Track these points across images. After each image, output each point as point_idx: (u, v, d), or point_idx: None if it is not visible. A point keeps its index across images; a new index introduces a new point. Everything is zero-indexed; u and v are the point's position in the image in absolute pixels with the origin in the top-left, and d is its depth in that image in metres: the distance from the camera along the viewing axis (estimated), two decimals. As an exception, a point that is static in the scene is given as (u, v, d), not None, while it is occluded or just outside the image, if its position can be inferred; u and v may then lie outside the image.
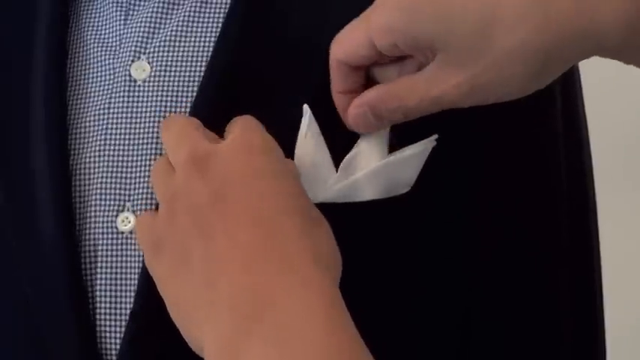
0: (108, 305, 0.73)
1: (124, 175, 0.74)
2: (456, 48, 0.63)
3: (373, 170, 0.67)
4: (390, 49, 0.65)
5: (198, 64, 0.75)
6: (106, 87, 0.77)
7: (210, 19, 0.76)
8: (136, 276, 0.73)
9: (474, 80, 0.63)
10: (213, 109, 0.72)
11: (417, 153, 0.68)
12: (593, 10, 0.60)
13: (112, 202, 0.74)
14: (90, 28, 0.79)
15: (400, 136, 0.69)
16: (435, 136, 0.68)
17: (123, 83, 0.76)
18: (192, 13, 0.76)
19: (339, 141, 0.69)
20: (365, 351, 0.56)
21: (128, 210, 0.73)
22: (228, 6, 0.76)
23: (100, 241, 0.74)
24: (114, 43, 0.78)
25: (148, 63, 0.76)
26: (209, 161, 0.62)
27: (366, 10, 0.66)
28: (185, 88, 0.75)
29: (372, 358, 0.56)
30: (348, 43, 0.66)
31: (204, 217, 0.60)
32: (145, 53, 0.76)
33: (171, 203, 0.61)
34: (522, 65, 0.62)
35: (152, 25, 0.77)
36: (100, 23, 0.79)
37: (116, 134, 0.75)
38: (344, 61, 0.67)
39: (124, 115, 0.75)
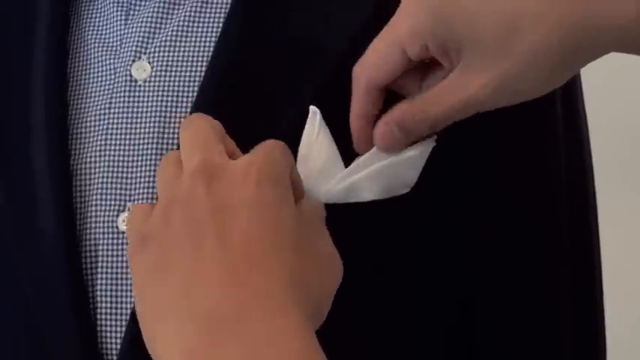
0: (108, 305, 0.73)
1: (124, 175, 0.74)
2: (481, 48, 0.63)
3: (374, 170, 0.67)
4: (421, 53, 0.64)
5: (199, 64, 0.75)
6: (107, 87, 0.77)
7: (211, 19, 0.76)
8: (137, 276, 0.73)
9: (499, 80, 0.63)
10: (213, 109, 0.72)
11: (417, 154, 0.67)
12: (613, 3, 0.60)
13: (113, 202, 0.74)
14: (90, 28, 0.79)
15: None
16: (435, 137, 0.68)
17: (123, 83, 0.76)
18: (192, 13, 0.76)
19: (339, 142, 0.69)
20: None
21: (129, 210, 0.73)
22: (228, 6, 0.76)
23: (101, 241, 0.74)
24: (114, 43, 0.78)
25: (149, 63, 0.76)
26: (218, 177, 0.61)
27: (385, 27, 0.66)
28: (186, 88, 0.75)
29: None
30: (379, 61, 0.65)
31: (197, 228, 0.59)
32: (145, 53, 0.76)
33: (170, 205, 0.61)
34: (548, 60, 0.62)
35: (153, 25, 0.77)
36: (100, 23, 0.79)
37: (117, 134, 0.75)
38: (378, 83, 0.66)
39: (125, 115, 0.75)
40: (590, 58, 0.64)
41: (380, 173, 0.67)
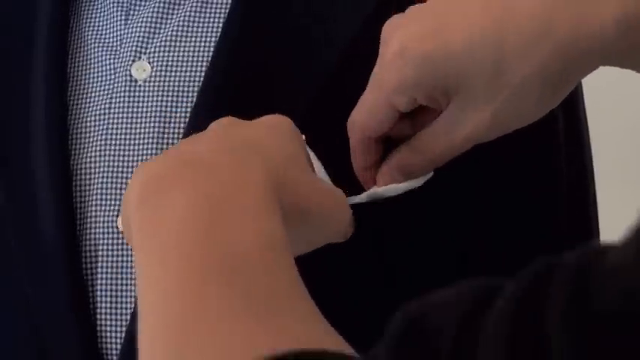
0: (108, 305, 0.73)
1: (124, 175, 0.74)
2: (471, 89, 0.63)
3: (371, 193, 0.68)
4: (409, 105, 0.65)
5: (199, 64, 0.75)
6: (107, 87, 0.77)
7: (211, 20, 0.76)
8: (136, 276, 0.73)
9: (494, 115, 0.64)
10: (213, 110, 0.72)
11: (416, 185, 0.68)
12: (593, 21, 0.60)
13: (113, 202, 0.74)
14: (90, 28, 0.79)
15: None
16: (432, 173, 0.68)
17: (123, 83, 0.76)
18: (192, 14, 0.76)
19: (339, 143, 0.68)
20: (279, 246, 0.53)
21: None
22: (228, 6, 0.76)
23: (101, 242, 0.74)
24: (114, 43, 0.78)
25: (149, 63, 0.76)
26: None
27: (371, 78, 0.66)
28: (186, 88, 0.74)
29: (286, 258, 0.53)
30: (369, 116, 0.66)
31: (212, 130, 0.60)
32: (145, 53, 0.76)
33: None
34: (540, 89, 0.63)
35: (153, 25, 0.77)
36: (100, 23, 0.79)
37: (117, 134, 0.75)
38: (369, 135, 0.66)
39: (125, 115, 0.75)
40: (579, 77, 0.65)
41: (378, 198, 0.68)
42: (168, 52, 0.75)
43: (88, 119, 0.76)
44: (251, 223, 0.52)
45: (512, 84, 0.62)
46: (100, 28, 0.79)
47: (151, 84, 0.75)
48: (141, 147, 0.74)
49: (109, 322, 0.73)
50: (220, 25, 0.75)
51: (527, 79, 0.62)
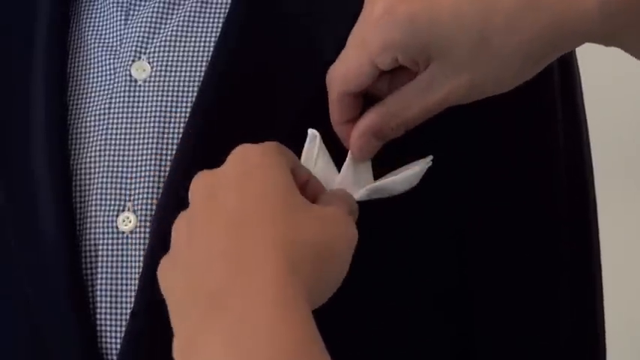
0: (108, 305, 0.73)
1: (124, 174, 0.74)
2: (453, 55, 0.63)
3: (370, 189, 0.67)
4: (391, 64, 0.65)
5: (199, 64, 0.75)
6: (107, 87, 0.77)
7: (211, 20, 0.76)
8: (136, 276, 0.73)
9: (471, 82, 0.64)
10: (213, 110, 0.72)
11: (413, 174, 0.68)
12: (577, 4, 0.61)
13: (113, 202, 0.74)
14: (90, 29, 0.79)
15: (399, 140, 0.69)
16: (431, 157, 0.68)
17: (123, 83, 0.76)
18: (192, 14, 0.76)
19: (338, 143, 0.68)
20: (315, 345, 0.56)
21: (129, 210, 0.74)
22: (228, 6, 0.76)
23: (101, 241, 0.74)
24: (114, 43, 0.78)
25: (149, 63, 0.76)
26: (213, 178, 0.63)
27: (353, 34, 0.66)
28: (185, 88, 0.75)
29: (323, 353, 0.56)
30: (350, 72, 0.66)
31: (193, 222, 0.60)
32: (145, 53, 0.76)
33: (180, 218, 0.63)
34: (520, 62, 0.63)
35: (152, 25, 0.77)
36: (100, 23, 0.79)
37: (116, 134, 0.75)
38: (347, 91, 0.66)
39: (125, 115, 0.75)
40: (560, 53, 0.65)
41: (375, 191, 0.67)
42: (168, 52, 0.76)
43: (88, 119, 0.76)
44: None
45: (494, 55, 0.63)
46: (100, 28, 0.79)
47: (151, 84, 0.75)
48: (141, 147, 0.74)
49: (108, 322, 0.73)
50: (220, 25, 0.76)
51: (510, 51, 0.62)
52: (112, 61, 0.77)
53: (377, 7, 0.64)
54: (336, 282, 0.61)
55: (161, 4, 0.77)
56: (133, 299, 0.72)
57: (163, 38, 0.76)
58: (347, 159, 0.68)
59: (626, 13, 0.61)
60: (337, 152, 0.68)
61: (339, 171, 0.68)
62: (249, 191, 0.60)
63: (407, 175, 0.67)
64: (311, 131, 0.68)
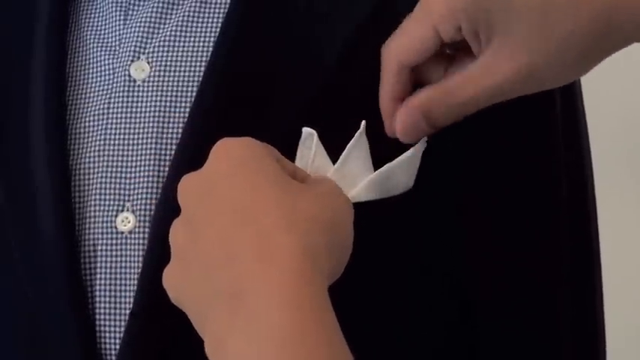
0: (108, 305, 0.73)
1: (123, 175, 0.74)
2: (513, 33, 0.62)
3: (371, 179, 0.67)
4: (454, 34, 0.64)
5: (198, 64, 0.75)
6: (106, 87, 0.77)
7: (210, 19, 0.76)
8: (136, 276, 0.73)
9: (528, 68, 0.63)
10: (212, 109, 0.72)
11: (410, 156, 0.67)
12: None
13: (112, 202, 0.74)
14: (89, 28, 0.79)
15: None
16: (426, 138, 0.68)
17: (122, 83, 0.76)
18: (191, 13, 0.76)
19: (337, 143, 0.68)
20: (334, 334, 0.56)
21: (128, 210, 0.74)
22: (227, 6, 0.76)
23: (100, 241, 0.74)
24: (113, 43, 0.78)
25: (148, 63, 0.76)
26: (201, 178, 0.63)
27: (416, 9, 0.65)
28: (184, 88, 0.75)
29: (342, 345, 0.56)
30: (412, 42, 0.65)
31: (195, 223, 0.60)
32: (144, 53, 0.76)
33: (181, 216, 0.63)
34: (579, 47, 0.62)
35: (152, 25, 0.77)
36: (99, 23, 0.79)
37: (116, 134, 0.75)
38: (408, 62, 0.65)
39: (124, 115, 0.75)
40: (618, 46, 0.64)
41: (376, 180, 0.67)
42: (167, 52, 0.76)
43: (87, 119, 0.76)
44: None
45: (554, 37, 0.62)
46: (99, 28, 0.79)
47: (150, 84, 0.75)
48: (140, 147, 0.74)
49: (108, 322, 0.73)
50: (219, 24, 0.76)
51: (569, 35, 0.62)
52: (111, 61, 0.77)
53: None
54: (345, 256, 0.62)
55: (160, 4, 0.77)
56: (132, 299, 0.72)
57: (162, 38, 0.76)
58: (347, 148, 0.67)
59: None
60: (335, 152, 0.68)
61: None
62: (246, 182, 0.60)
63: (403, 159, 0.67)
64: (306, 130, 0.67)
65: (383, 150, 0.68)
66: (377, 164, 0.68)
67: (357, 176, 0.67)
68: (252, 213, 0.58)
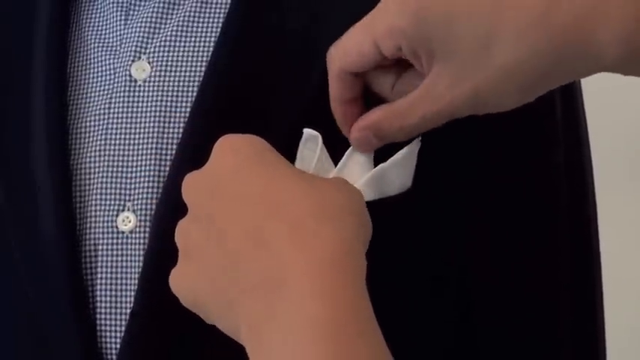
0: (108, 305, 0.73)
1: (124, 174, 0.74)
2: (456, 56, 0.62)
3: (367, 178, 0.67)
4: (393, 52, 0.65)
5: (199, 64, 0.75)
6: (107, 87, 0.77)
7: (211, 19, 0.76)
8: (136, 276, 0.73)
9: (471, 92, 0.63)
10: (213, 109, 0.73)
11: (405, 155, 0.67)
12: (592, 29, 0.59)
13: (113, 202, 0.74)
14: (90, 28, 0.79)
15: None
16: (420, 137, 0.68)
17: (123, 83, 0.76)
18: (192, 13, 0.76)
19: (338, 142, 0.68)
20: (369, 325, 0.56)
21: (128, 210, 0.74)
22: (228, 6, 0.76)
23: (101, 241, 0.74)
24: (114, 43, 0.78)
25: (148, 63, 0.76)
26: (205, 177, 0.63)
27: (366, 17, 0.66)
28: (185, 88, 0.75)
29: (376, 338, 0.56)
30: (353, 50, 0.65)
31: (206, 213, 0.60)
32: (145, 53, 0.76)
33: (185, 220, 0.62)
34: (518, 83, 0.62)
35: (152, 25, 0.77)
36: (100, 23, 0.79)
37: (116, 134, 0.75)
38: (348, 68, 0.66)
39: (125, 115, 0.75)
40: (565, 80, 0.63)
41: (372, 180, 0.67)
42: (168, 52, 0.76)
43: (88, 119, 0.76)
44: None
45: (499, 65, 0.61)
46: (100, 28, 0.79)
47: (151, 84, 0.75)
48: (140, 147, 0.74)
49: (108, 322, 0.73)
50: (220, 24, 0.76)
51: (514, 61, 0.61)
52: (111, 61, 0.77)
53: None
54: (368, 236, 0.62)
55: (161, 4, 0.77)
56: (132, 299, 0.72)
57: (163, 38, 0.76)
58: (348, 151, 0.67)
59: None
60: (335, 153, 0.68)
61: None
62: (261, 175, 0.60)
63: (396, 159, 0.67)
64: (308, 131, 0.67)
65: (383, 150, 0.68)
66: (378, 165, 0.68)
67: (358, 179, 0.67)
68: (279, 203, 0.58)
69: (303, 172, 0.61)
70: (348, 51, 0.66)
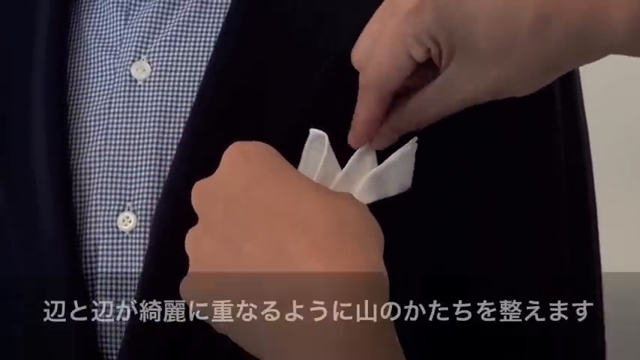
0: (108, 305, 0.73)
1: (124, 174, 0.74)
2: (476, 54, 0.62)
3: (366, 180, 0.67)
4: (424, 55, 0.64)
5: (199, 64, 0.75)
6: (107, 87, 0.77)
7: (211, 19, 0.76)
8: (136, 276, 0.73)
9: (490, 84, 0.63)
10: (213, 109, 0.73)
11: (400, 156, 0.67)
12: (605, 6, 0.60)
13: (113, 202, 0.74)
14: (90, 28, 0.79)
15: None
16: (415, 138, 0.68)
17: (123, 83, 0.76)
18: (192, 13, 0.77)
19: (339, 142, 0.68)
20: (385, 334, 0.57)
21: (129, 210, 0.74)
22: (228, 6, 0.76)
23: (101, 241, 0.74)
24: (114, 43, 0.78)
25: (149, 63, 0.76)
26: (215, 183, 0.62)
27: (379, 29, 0.65)
28: (185, 88, 0.75)
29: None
30: (390, 66, 0.64)
31: (221, 223, 0.60)
32: (145, 53, 0.76)
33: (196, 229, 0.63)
34: (541, 68, 0.62)
35: (152, 25, 0.77)
36: (100, 23, 0.79)
37: (116, 134, 0.75)
38: (391, 88, 0.65)
39: (125, 115, 0.75)
40: (583, 62, 0.64)
41: (371, 182, 0.67)
42: (168, 52, 0.76)
43: (88, 119, 0.76)
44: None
45: (514, 61, 0.62)
46: (100, 28, 0.79)
47: (151, 84, 0.75)
48: (140, 147, 0.74)
49: (108, 322, 0.73)
50: (220, 24, 0.76)
51: (533, 56, 0.62)
52: (111, 61, 0.77)
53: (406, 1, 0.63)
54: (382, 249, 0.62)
55: (161, 4, 0.77)
56: (132, 299, 0.72)
57: (163, 38, 0.76)
58: (355, 154, 0.67)
59: None
60: (336, 153, 0.68)
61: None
62: (276, 187, 0.60)
63: (393, 160, 0.67)
64: (315, 131, 0.67)
65: (384, 150, 0.68)
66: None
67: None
68: (298, 219, 0.58)
69: (317, 185, 0.61)
70: (385, 69, 0.65)
